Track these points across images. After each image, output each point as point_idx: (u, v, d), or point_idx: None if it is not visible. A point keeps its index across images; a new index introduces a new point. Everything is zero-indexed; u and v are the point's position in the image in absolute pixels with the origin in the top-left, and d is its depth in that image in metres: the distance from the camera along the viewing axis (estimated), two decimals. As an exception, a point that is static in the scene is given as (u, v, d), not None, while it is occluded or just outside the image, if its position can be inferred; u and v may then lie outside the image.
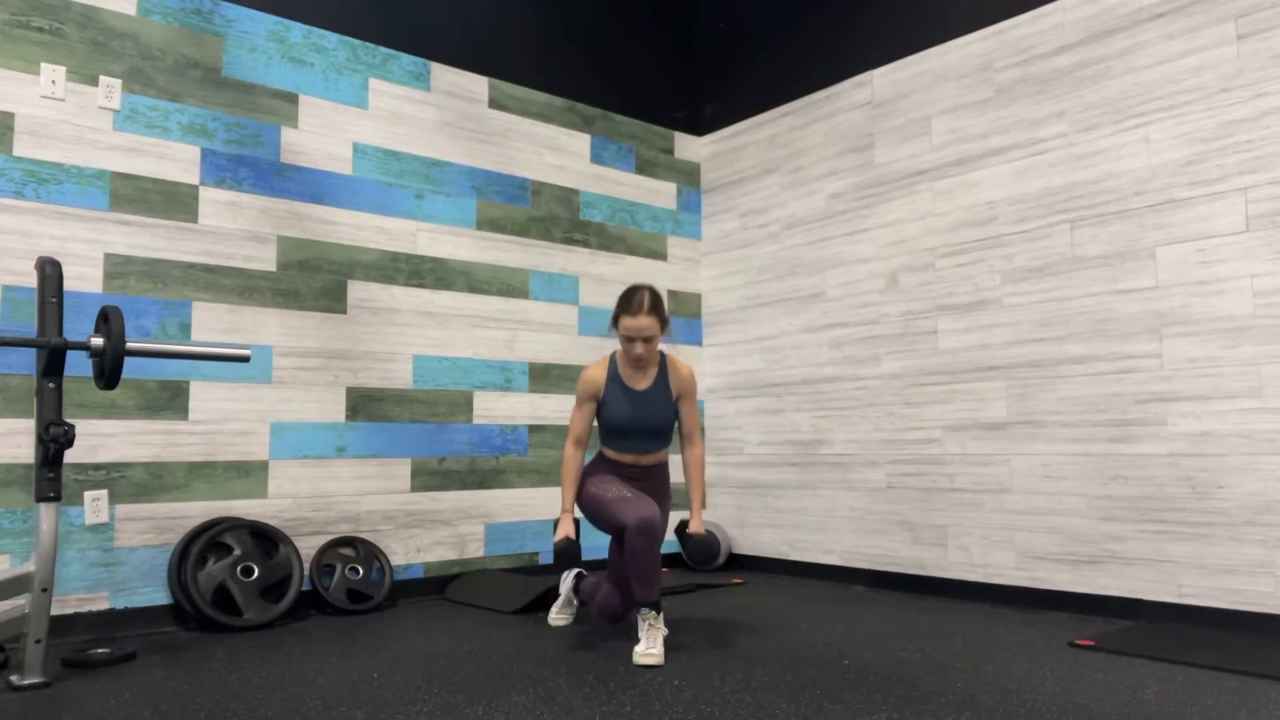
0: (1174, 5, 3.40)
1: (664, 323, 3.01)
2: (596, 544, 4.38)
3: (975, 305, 3.93)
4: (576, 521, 3.06)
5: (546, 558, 4.43)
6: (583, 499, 3.09)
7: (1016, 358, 3.78)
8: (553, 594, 3.75)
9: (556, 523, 3.03)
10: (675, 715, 2.22)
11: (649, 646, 2.75)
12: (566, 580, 3.45)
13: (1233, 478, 3.18)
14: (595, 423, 3.18)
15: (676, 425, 3.17)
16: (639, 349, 2.98)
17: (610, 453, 3.15)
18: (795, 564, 4.60)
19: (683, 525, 3.13)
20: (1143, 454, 3.39)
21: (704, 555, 3.03)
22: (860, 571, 4.31)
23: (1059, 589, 3.60)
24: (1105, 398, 3.50)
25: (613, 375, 3.11)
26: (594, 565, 4.42)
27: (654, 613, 2.82)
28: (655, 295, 2.99)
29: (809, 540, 4.55)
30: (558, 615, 3.39)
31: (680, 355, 5.05)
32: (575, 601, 3.43)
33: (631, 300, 2.97)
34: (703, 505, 3.10)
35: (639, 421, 3.06)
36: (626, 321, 2.96)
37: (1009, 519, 3.77)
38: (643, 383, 3.10)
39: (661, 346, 3.15)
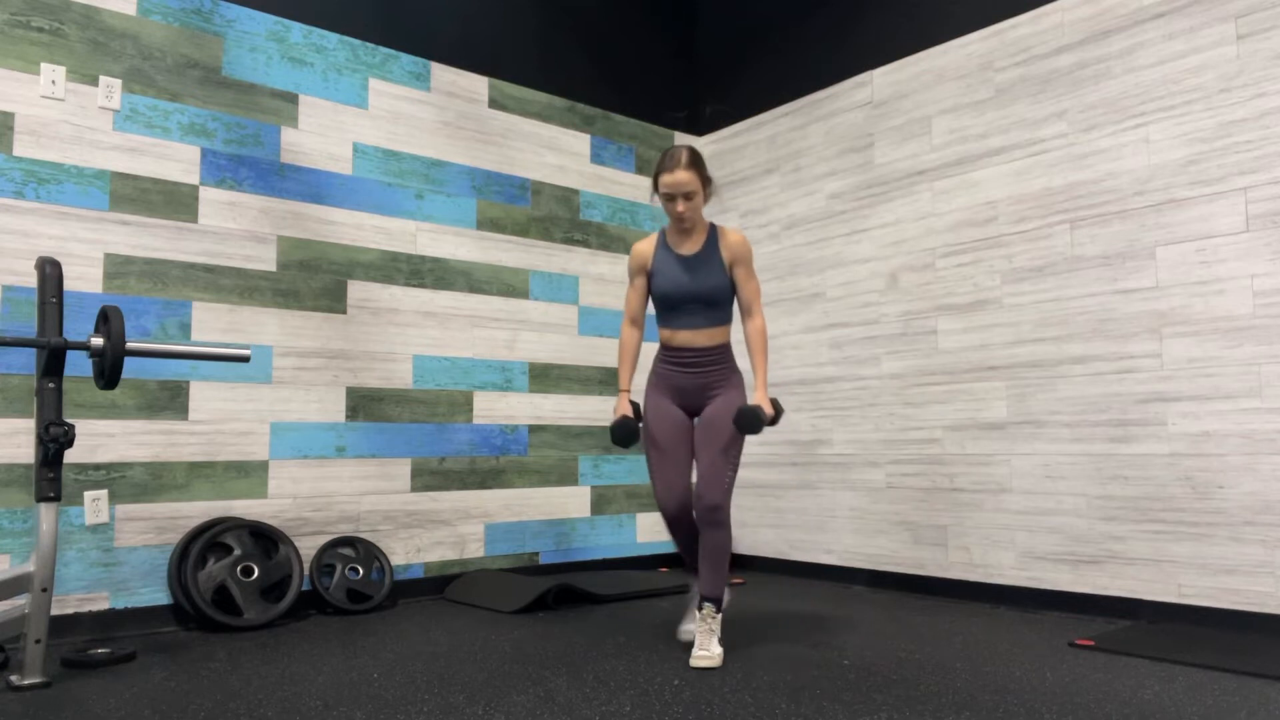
0: (1174, 5, 3.40)
1: (705, 180, 2.86)
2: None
3: (975, 305, 3.93)
4: (634, 404, 2.95)
5: (547, 558, 4.44)
6: (645, 417, 2.95)
7: (1016, 358, 3.78)
8: (552, 595, 3.75)
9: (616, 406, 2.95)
10: (675, 715, 2.22)
11: (704, 647, 2.71)
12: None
13: (1233, 478, 3.17)
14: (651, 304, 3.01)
15: (735, 300, 2.99)
16: (680, 206, 2.83)
17: (665, 333, 2.96)
18: (795, 564, 4.60)
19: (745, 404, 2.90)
20: (1143, 454, 3.39)
21: (750, 424, 2.78)
22: (860, 571, 4.31)
23: (1059, 589, 3.60)
24: (1105, 398, 3.50)
25: (661, 244, 2.98)
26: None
27: (713, 609, 2.77)
28: (694, 151, 2.85)
29: (809, 540, 4.55)
30: (687, 627, 3.07)
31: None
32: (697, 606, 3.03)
33: (669, 156, 2.83)
34: (766, 377, 2.89)
35: (691, 288, 2.89)
36: (665, 178, 2.82)
37: (1009, 519, 3.77)
38: (691, 247, 2.93)
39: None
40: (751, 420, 2.78)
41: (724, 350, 2.94)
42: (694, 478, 2.86)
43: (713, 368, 2.92)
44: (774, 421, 2.88)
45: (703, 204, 2.88)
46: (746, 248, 2.94)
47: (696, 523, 2.85)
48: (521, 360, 4.43)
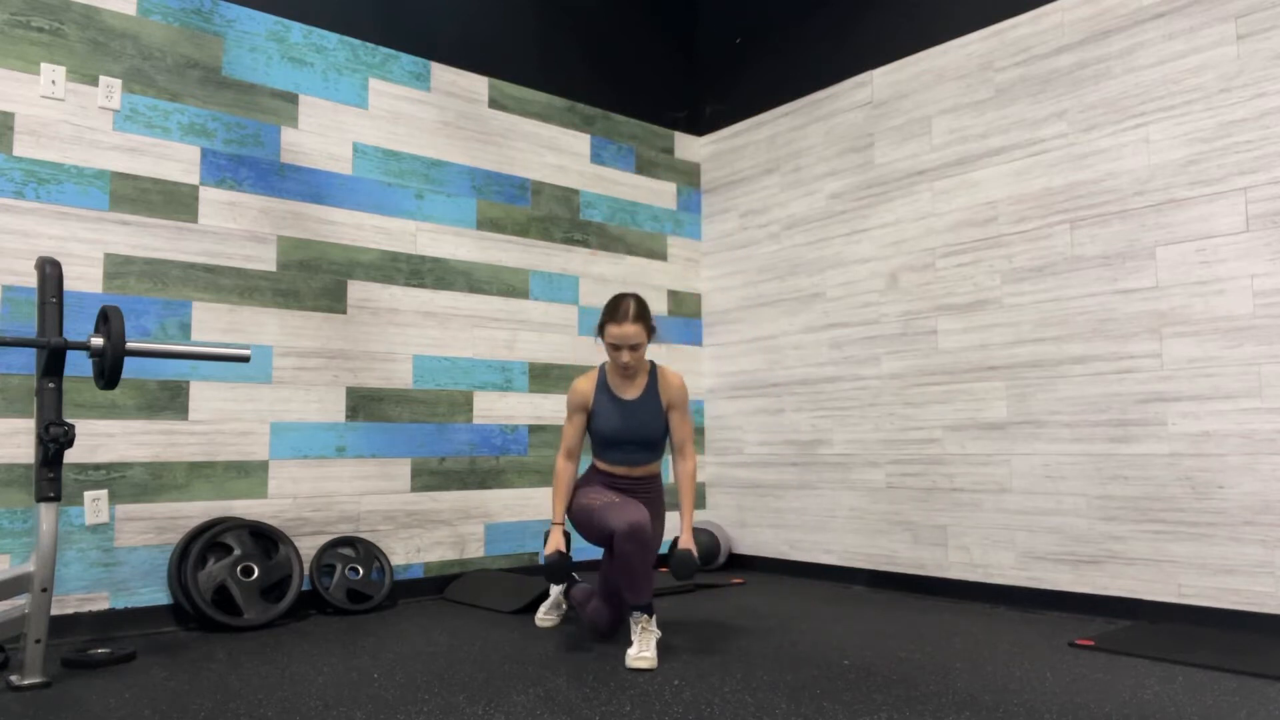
0: (1174, 5, 3.40)
1: (650, 330, 3.00)
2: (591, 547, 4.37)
3: (975, 305, 3.93)
4: (567, 535, 3.07)
5: (546, 558, 4.44)
6: (573, 510, 3.08)
7: (1016, 358, 3.78)
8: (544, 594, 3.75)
9: (547, 535, 3.04)
10: (675, 715, 2.22)
11: (641, 650, 2.73)
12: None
13: (1233, 478, 3.17)
14: (588, 435, 3.18)
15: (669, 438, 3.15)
16: (625, 356, 2.97)
17: (602, 464, 3.15)
18: (795, 564, 4.60)
19: (673, 542, 3.06)
20: (1143, 454, 3.39)
21: (684, 570, 2.92)
22: (860, 571, 4.31)
23: (1059, 589, 3.60)
24: (1105, 398, 3.50)
25: (602, 385, 3.11)
26: (586, 566, 4.42)
27: (646, 615, 2.81)
28: (640, 302, 2.99)
29: (809, 540, 4.55)
30: (545, 616, 3.36)
31: (680, 355, 5.05)
32: (564, 604, 3.42)
33: (617, 308, 2.96)
34: (692, 520, 3.07)
35: (629, 432, 3.05)
36: (612, 329, 2.96)
37: (1009, 519, 3.77)
38: (632, 392, 3.09)
39: (655, 354, 3.14)
40: (688, 568, 2.95)
41: (655, 478, 3.20)
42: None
43: (642, 492, 3.15)
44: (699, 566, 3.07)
45: (645, 351, 3.03)
46: (684, 392, 3.12)
47: (621, 542, 2.79)
48: (521, 360, 4.43)
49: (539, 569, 4.37)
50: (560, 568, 2.97)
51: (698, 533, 4.74)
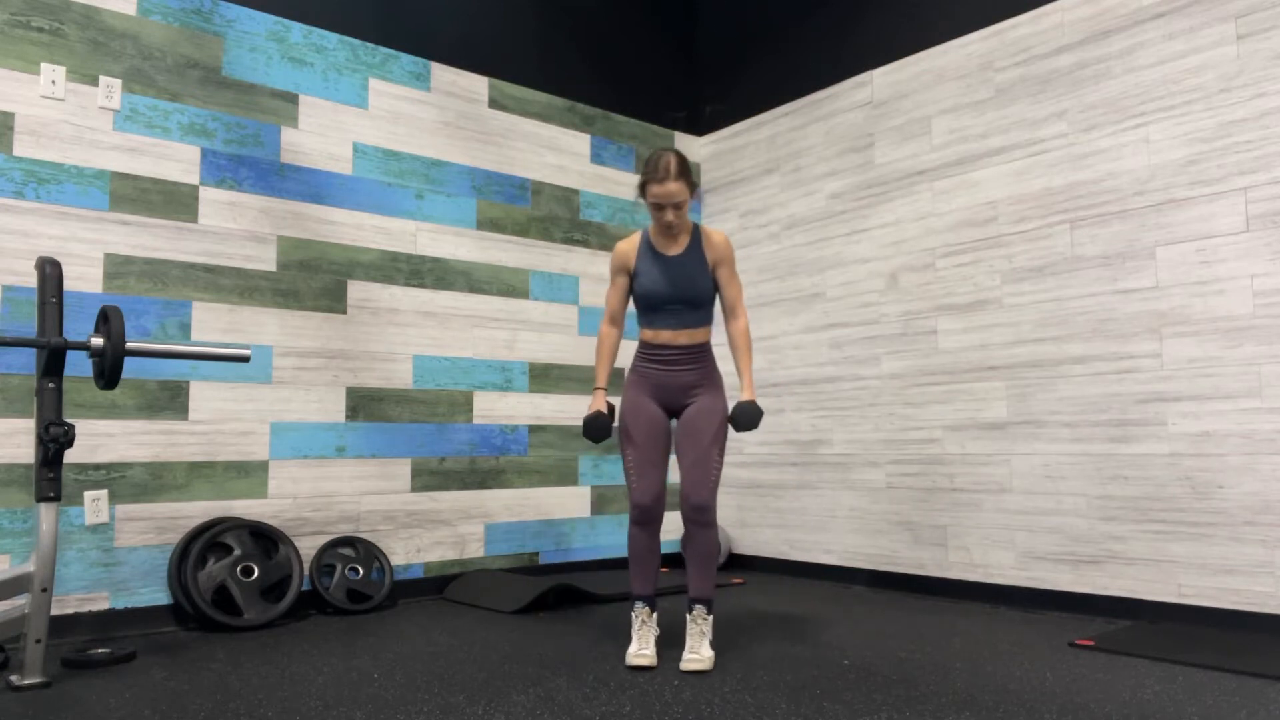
0: (1174, 5, 3.40)
1: (693, 186, 2.86)
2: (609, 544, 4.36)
3: (975, 305, 3.93)
4: (609, 403, 2.97)
5: (547, 558, 4.44)
6: (622, 414, 2.95)
7: (1016, 358, 3.78)
8: (552, 595, 3.75)
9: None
10: (675, 715, 2.22)
11: (640, 647, 2.71)
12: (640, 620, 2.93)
13: (1233, 478, 3.17)
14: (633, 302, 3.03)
15: (718, 300, 2.99)
16: (669, 215, 2.83)
17: (648, 334, 2.95)
18: (795, 564, 4.60)
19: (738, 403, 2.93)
20: (1143, 454, 3.39)
21: (747, 420, 2.85)
22: (860, 571, 4.31)
23: (1059, 589, 3.60)
24: (1105, 398, 3.50)
25: (644, 245, 2.98)
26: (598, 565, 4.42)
27: (704, 610, 2.76)
28: (681, 158, 2.84)
29: (809, 540, 4.55)
30: (640, 652, 2.79)
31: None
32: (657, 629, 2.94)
33: (658, 165, 2.81)
34: (751, 376, 2.94)
35: (674, 289, 2.89)
36: (654, 188, 2.81)
37: (1009, 519, 3.77)
38: (675, 249, 2.94)
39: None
40: (750, 417, 2.84)
41: (704, 349, 2.95)
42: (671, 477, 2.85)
43: (694, 366, 2.93)
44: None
45: (688, 209, 2.90)
46: (729, 249, 2.96)
47: (684, 523, 2.83)
48: (521, 360, 4.43)
49: (539, 568, 4.37)
50: (599, 426, 2.90)
51: None
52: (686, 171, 2.85)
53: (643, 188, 2.87)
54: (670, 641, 3.04)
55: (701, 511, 2.78)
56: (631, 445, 2.88)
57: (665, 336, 2.93)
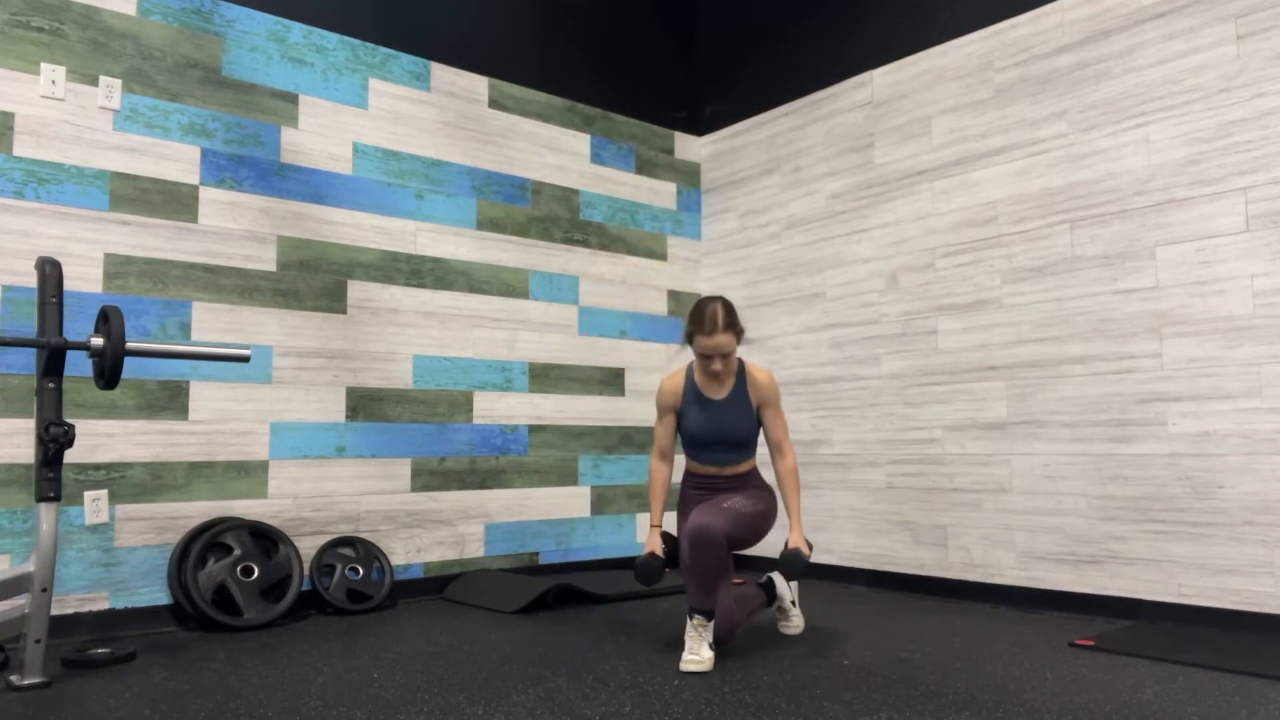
0: (1174, 5, 3.40)
1: (739, 333, 2.90)
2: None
3: (975, 305, 3.93)
4: (665, 536, 2.98)
5: (547, 557, 4.44)
6: (680, 516, 3.09)
7: (1016, 358, 3.78)
8: (552, 595, 3.75)
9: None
10: (675, 715, 2.22)
11: (695, 652, 2.69)
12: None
13: (1233, 478, 3.17)
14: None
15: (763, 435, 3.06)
16: (717, 365, 2.88)
17: (695, 466, 3.09)
18: (795, 564, 4.59)
19: (785, 543, 2.98)
20: (1143, 454, 3.39)
21: (793, 568, 2.87)
22: (860, 571, 4.31)
23: (1059, 589, 3.60)
24: (1105, 398, 3.50)
25: (689, 386, 3.02)
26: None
27: (703, 619, 2.75)
28: (728, 307, 2.88)
29: (809, 540, 4.54)
30: (692, 657, 2.74)
31: (681, 355, 5.04)
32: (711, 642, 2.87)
33: (704, 317, 2.84)
34: (800, 517, 2.99)
35: (718, 432, 2.97)
36: (702, 340, 2.85)
37: (1009, 519, 3.77)
38: (720, 393, 3.00)
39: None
40: (796, 561, 2.87)
41: (751, 473, 3.08)
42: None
43: (741, 488, 3.03)
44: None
45: (736, 355, 2.94)
46: (775, 389, 3.01)
47: (686, 546, 2.76)
48: (521, 360, 4.43)
49: (539, 569, 4.38)
50: (649, 569, 2.90)
51: None
52: (734, 321, 2.88)
53: (690, 337, 2.89)
54: (671, 641, 3.04)
55: (704, 530, 2.71)
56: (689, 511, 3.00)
57: (711, 470, 3.06)
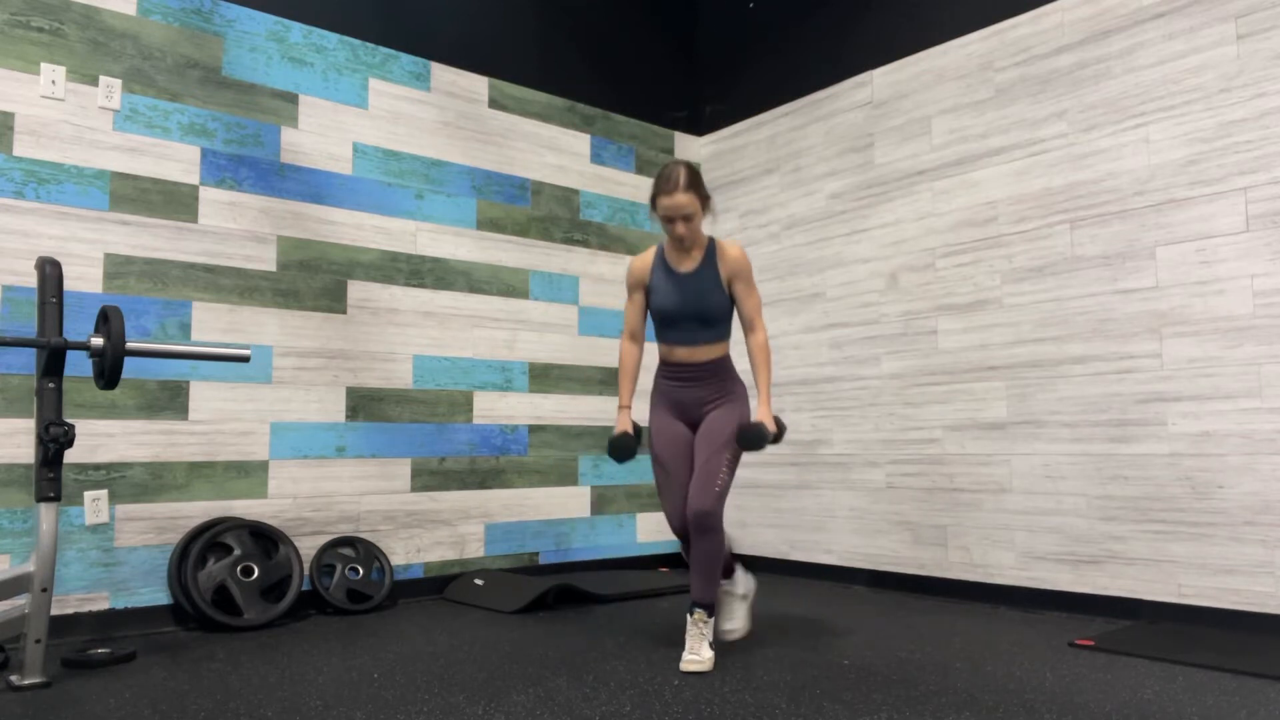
0: (1174, 5, 3.40)
1: (704, 199, 2.82)
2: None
3: (975, 305, 3.93)
4: (635, 424, 2.96)
5: (547, 557, 4.44)
6: (650, 430, 2.97)
7: (1016, 358, 3.78)
8: (552, 595, 3.75)
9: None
10: (675, 715, 2.22)
11: (694, 651, 2.69)
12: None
13: (1233, 478, 3.17)
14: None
15: (735, 313, 2.98)
16: (679, 228, 2.80)
17: (663, 349, 2.97)
18: (795, 564, 4.60)
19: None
20: (1143, 454, 3.39)
21: (750, 441, 2.80)
22: (860, 571, 4.31)
23: (1059, 589, 3.60)
24: (1105, 398, 3.50)
25: (659, 261, 2.95)
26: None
27: (705, 613, 2.76)
28: (692, 169, 2.80)
29: (809, 540, 4.55)
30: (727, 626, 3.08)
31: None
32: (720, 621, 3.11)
33: (668, 178, 2.77)
34: (769, 393, 2.90)
35: (687, 306, 2.87)
36: (664, 200, 2.77)
37: (1009, 519, 3.77)
38: (689, 265, 2.90)
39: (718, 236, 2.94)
40: (754, 437, 2.80)
41: (722, 363, 2.94)
42: None
43: (711, 380, 2.92)
44: (777, 439, 2.89)
45: (701, 222, 2.86)
46: (745, 263, 2.91)
47: (693, 536, 2.79)
48: (521, 360, 4.43)
49: (539, 569, 4.37)
50: (626, 447, 2.89)
51: None
52: (697, 183, 2.80)
53: (653, 201, 2.83)
54: (671, 641, 3.04)
55: (703, 517, 2.76)
56: (660, 467, 2.93)
57: (681, 354, 2.93)
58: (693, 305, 2.87)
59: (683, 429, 2.93)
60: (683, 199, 2.77)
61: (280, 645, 3.05)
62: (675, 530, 2.94)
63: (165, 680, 2.59)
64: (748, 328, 2.94)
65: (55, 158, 3.26)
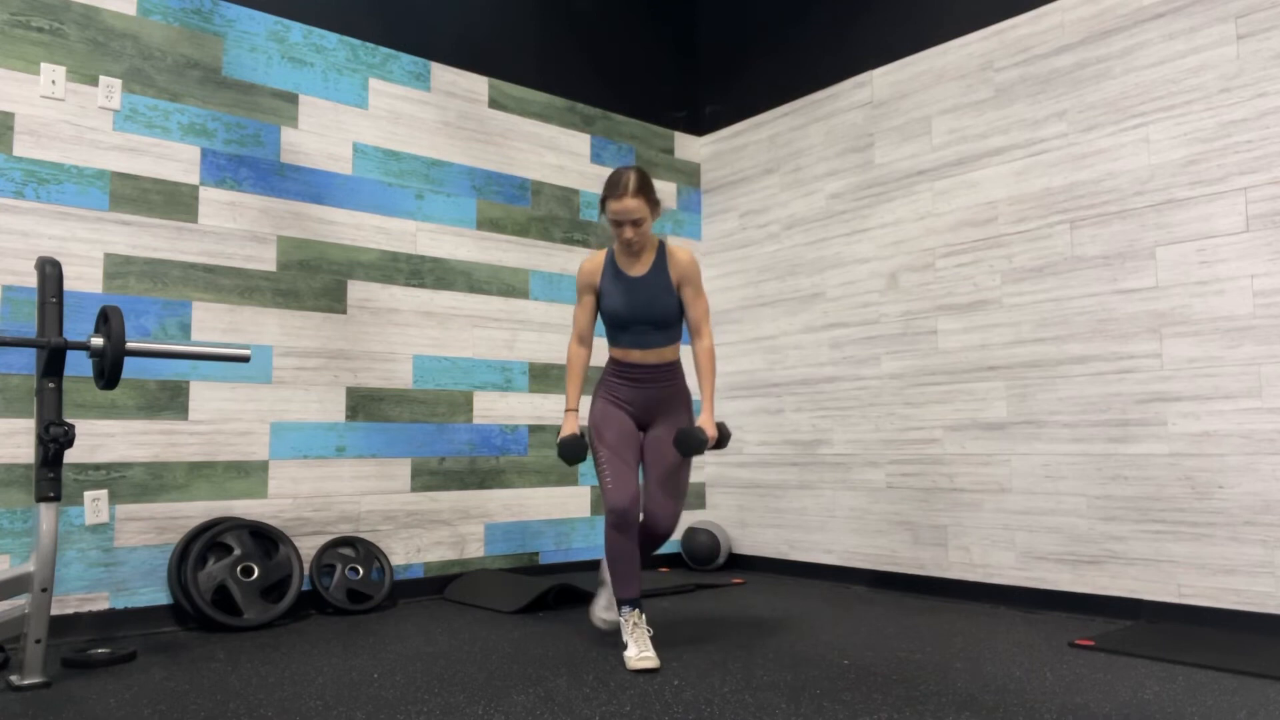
0: (1174, 5, 3.40)
1: (653, 204, 2.84)
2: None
3: (975, 305, 3.93)
4: (581, 427, 3.01)
5: (547, 557, 4.44)
6: (591, 421, 2.96)
7: (1016, 358, 3.78)
8: (552, 595, 3.75)
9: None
10: (675, 715, 2.22)
11: (641, 650, 2.70)
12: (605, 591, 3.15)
13: (1233, 478, 3.17)
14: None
15: (684, 319, 3.00)
16: (628, 233, 2.82)
17: (616, 352, 2.97)
18: (795, 564, 4.60)
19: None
20: (1143, 454, 3.39)
21: (686, 446, 2.81)
22: (860, 571, 4.31)
23: (1059, 589, 3.60)
24: (1105, 398, 3.50)
25: (609, 264, 2.97)
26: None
27: (635, 611, 2.77)
28: (642, 175, 2.83)
29: (809, 540, 4.55)
30: (605, 614, 3.11)
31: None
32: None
33: (618, 183, 2.80)
34: (712, 401, 2.92)
35: (637, 310, 2.89)
36: (613, 204, 2.80)
37: (1009, 519, 3.77)
38: (639, 269, 2.93)
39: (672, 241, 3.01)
40: (692, 443, 2.84)
41: (673, 367, 2.98)
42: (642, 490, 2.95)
43: (661, 383, 2.96)
44: (720, 444, 2.92)
45: (650, 227, 2.88)
46: (695, 267, 2.95)
47: (607, 530, 2.80)
48: (521, 360, 4.43)
49: (539, 568, 4.37)
50: (577, 447, 2.88)
51: (697, 532, 4.74)
52: (647, 188, 2.83)
53: (603, 204, 2.85)
54: (671, 641, 3.04)
55: (670, 530, 2.94)
56: (605, 445, 2.89)
57: (634, 356, 2.96)
58: (643, 309, 2.91)
59: (628, 419, 2.95)
60: (632, 203, 2.79)
61: (280, 645, 3.05)
62: (619, 506, 2.78)
63: (165, 680, 2.59)
64: (694, 333, 2.98)
65: (55, 158, 3.26)
